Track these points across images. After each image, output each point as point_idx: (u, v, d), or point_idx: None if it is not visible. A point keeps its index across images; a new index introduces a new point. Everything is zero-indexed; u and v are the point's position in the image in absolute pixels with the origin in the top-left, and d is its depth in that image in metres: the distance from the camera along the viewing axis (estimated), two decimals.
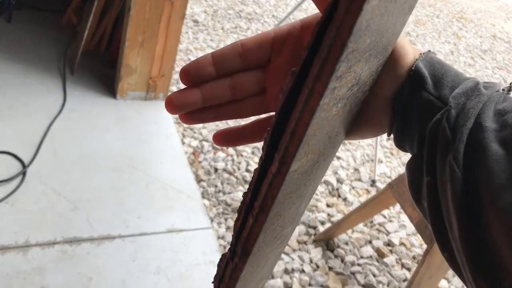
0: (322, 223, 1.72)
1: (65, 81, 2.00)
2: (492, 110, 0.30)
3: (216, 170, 1.83)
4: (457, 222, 0.28)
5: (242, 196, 0.29)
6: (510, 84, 0.33)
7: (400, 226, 1.81)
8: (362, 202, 1.76)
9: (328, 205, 1.83)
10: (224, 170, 1.84)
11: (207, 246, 1.46)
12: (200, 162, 1.85)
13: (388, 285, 1.55)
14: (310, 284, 1.48)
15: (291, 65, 0.34)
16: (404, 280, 1.58)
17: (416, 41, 3.81)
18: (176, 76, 2.26)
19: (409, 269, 1.63)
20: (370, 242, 1.70)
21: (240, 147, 1.99)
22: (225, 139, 0.37)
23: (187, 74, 0.33)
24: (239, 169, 1.86)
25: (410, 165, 0.33)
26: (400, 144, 0.35)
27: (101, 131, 1.80)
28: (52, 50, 2.18)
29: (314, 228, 1.69)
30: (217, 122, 2.09)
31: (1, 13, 2.28)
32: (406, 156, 2.24)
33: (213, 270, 1.36)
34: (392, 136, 0.35)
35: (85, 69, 2.10)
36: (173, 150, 1.82)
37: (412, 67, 0.33)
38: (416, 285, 1.30)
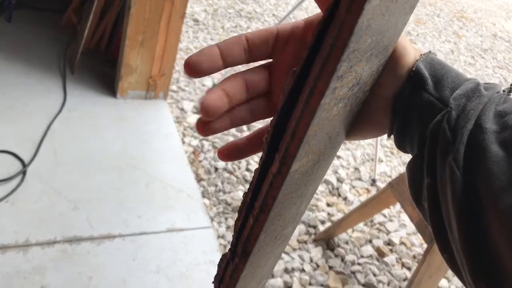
0: (322, 222, 1.72)
1: (65, 80, 2.00)
2: (492, 111, 0.30)
3: (216, 169, 1.83)
4: (457, 223, 0.28)
5: (243, 196, 0.29)
6: (511, 85, 0.33)
7: (400, 226, 1.81)
8: (362, 201, 1.76)
9: (328, 204, 1.83)
10: (224, 169, 1.84)
11: (207, 246, 1.46)
12: (200, 161, 1.85)
13: (388, 285, 1.55)
14: (310, 284, 1.48)
15: (294, 66, 0.34)
16: (405, 280, 1.58)
17: (417, 40, 3.81)
18: (176, 75, 2.26)
19: (409, 269, 1.63)
20: (370, 241, 1.70)
21: None
22: (229, 154, 0.36)
23: (198, 64, 0.31)
24: (239, 168, 1.86)
25: (410, 166, 0.33)
26: (401, 144, 0.34)
27: (101, 130, 1.80)
28: (52, 50, 2.18)
29: (314, 227, 1.69)
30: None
31: (1, 13, 2.28)
32: (406, 156, 2.24)
33: (213, 270, 1.36)
34: (392, 136, 0.35)
35: (85, 68, 2.10)
36: (173, 149, 1.82)
37: (412, 67, 0.33)
38: (417, 284, 1.30)
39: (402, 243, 1.73)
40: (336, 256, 1.60)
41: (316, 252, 1.59)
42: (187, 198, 1.61)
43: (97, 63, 2.18)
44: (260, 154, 0.30)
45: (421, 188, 0.32)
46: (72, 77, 2.04)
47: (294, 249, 1.59)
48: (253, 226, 0.27)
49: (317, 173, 0.32)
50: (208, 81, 2.33)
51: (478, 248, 0.27)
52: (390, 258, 1.65)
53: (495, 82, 3.53)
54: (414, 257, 1.69)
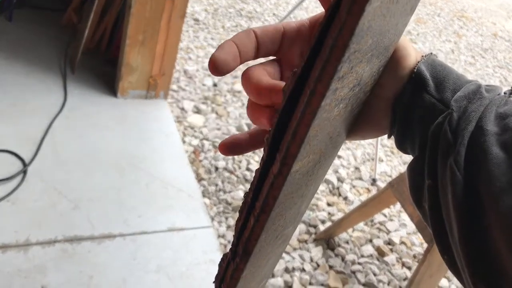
0: (323, 222, 1.72)
1: (65, 80, 2.00)
2: (493, 113, 0.30)
3: (216, 168, 1.83)
4: (458, 225, 0.28)
5: (244, 196, 0.29)
6: None
7: (401, 225, 1.81)
8: (362, 201, 1.76)
9: (328, 204, 1.83)
10: (225, 168, 1.84)
11: (207, 245, 1.47)
12: (200, 160, 1.85)
13: (388, 284, 1.55)
14: (310, 283, 1.48)
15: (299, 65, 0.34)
16: (405, 279, 1.58)
17: (417, 39, 3.81)
18: (176, 75, 2.26)
19: (409, 268, 1.63)
20: (370, 241, 1.70)
21: None
22: (231, 148, 0.36)
23: (226, 63, 0.30)
24: (239, 167, 1.86)
25: (411, 168, 0.33)
26: (402, 146, 0.34)
27: (102, 129, 1.80)
28: (53, 49, 2.18)
29: (315, 227, 1.69)
30: (218, 122, 2.09)
31: (2, 12, 2.28)
32: (407, 155, 2.24)
33: (214, 269, 1.36)
34: (392, 136, 0.35)
35: (86, 68, 2.10)
36: (174, 149, 1.82)
37: (414, 69, 0.33)
38: (417, 284, 1.30)
39: (402, 242, 1.73)
40: (336, 255, 1.60)
41: (316, 252, 1.59)
42: (187, 197, 1.61)
43: (97, 62, 2.18)
44: (260, 152, 0.30)
45: (422, 190, 0.32)
46: (72, 76, 2.04)
47: (295, 249, 1.59)
48: (254, 226, 0.27)
49: (318, 173, 0.32)
50: (208, 80, 2.33)
51: (479, 250, 0.27)
52: (391, 258, 1.65)
53: (496, 81, 3.52)
54: (414, 256, 1.69)
